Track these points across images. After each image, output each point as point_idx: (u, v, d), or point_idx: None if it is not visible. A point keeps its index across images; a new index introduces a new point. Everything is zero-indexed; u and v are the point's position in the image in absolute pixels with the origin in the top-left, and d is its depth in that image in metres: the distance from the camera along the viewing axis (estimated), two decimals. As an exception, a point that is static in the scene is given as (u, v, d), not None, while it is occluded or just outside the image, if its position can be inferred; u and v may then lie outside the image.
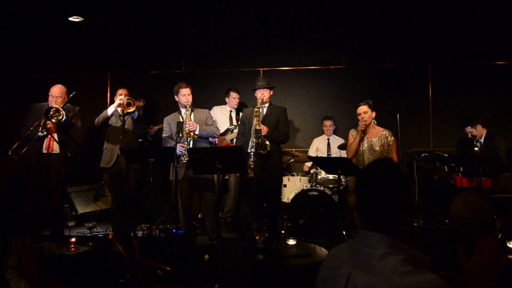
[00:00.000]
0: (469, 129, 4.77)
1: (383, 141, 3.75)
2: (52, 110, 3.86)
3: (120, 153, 4.32)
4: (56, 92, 4.12)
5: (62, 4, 5.16)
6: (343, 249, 1.22)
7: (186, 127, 3.95)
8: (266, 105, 4.19)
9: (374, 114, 3.82)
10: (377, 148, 3.74)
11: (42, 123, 3.90)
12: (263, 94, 4.11)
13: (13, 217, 2.21)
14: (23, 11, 5.39)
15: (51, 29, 5.96)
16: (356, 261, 1.13)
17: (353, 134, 3.89)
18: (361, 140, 3.79)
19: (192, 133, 3.96)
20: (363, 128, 3.75)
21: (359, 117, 3.80)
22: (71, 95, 4.10)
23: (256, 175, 3.87)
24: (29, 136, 3.91)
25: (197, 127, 4.00)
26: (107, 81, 6.13)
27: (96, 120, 4.38)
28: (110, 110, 4.31)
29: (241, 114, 4.52)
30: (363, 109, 3.80)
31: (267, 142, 3.94)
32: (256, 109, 4.03)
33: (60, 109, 3.91)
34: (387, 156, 3.74)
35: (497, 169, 4.26)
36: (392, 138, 3.77)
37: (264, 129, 3.93)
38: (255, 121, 4.00)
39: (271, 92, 4.24)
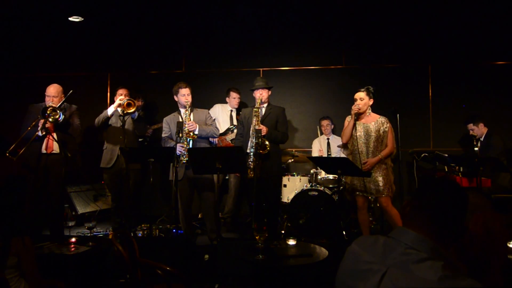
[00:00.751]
0: (471, 126, 4.77)
1: (378, 127, 3.76)
2: (48, 109, 3.86)
3: (120, 153, 4.32)
4: (52, 91, 4.11)
5: (62, 4, 5.16)
6: (374, 243, 1.19)
7: (185, 127, 3.95)
8: (265, 105, 4.19)
9: (371, 102, 3.82)
10: (373, 134, 3.74)
11: (41, 124, 3.90)
12: (261, 94, 4.11)
13: (13, 217, 2.21)
14: (23, 11, 5.39)
15: (51, 29, 5.97)
16: (392, 259, 1.09)
17: (348, 119, 3.92)
18: (356, 125, 3.80)
19: (191, 133, 3.96)
20: (355, 111, 3.76)
21: (356, 103, 3.81)
22: (68, 93, 4.09)
23: (256, 175, 3.87)
24: (27, 136, 3.90)
25: (196, 127, 4.00)
26: (107, 81, 6.13)
27: (96, 120, 4.37)
28: (110, 110, 4.31)
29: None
30: (360, 95, 3.82)
31: (267, 142, 3.94)
32: (255, 109, 4.03)
33: (57, 108, 3.90)
34: (382, 143, 3.73)
35: (496, 169, 4.26)
36: (388, 125, 3.77)
37: (264, 129, 3.93)
38: (254, 121, 4.00)
39: (269, 92, 4.24)
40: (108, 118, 4.33)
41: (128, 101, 4.19)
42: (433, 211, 1.17)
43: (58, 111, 3.88)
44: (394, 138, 3.81)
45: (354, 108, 3.77)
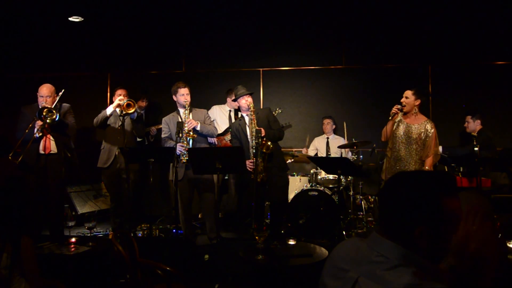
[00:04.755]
0: (468, 118, 4.76)
1: (421, 129, 3.68)
2: (44, 110, 3.85)
3: (118, 153, 4.32)
4: (45, 92, 4.07)
5: (62, 4, 5.16)
6: (350, 250, 1.17)
7: (185, 126, 3.96)
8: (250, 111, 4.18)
9: (417, 102, 3.75)
10: (414, 136, 3.68)
11: (38, 126, 3.90)
12: (247, 101, 4.09)
13: (13, 217, 2.21)
14: (23, 11, 5.39)
15: (51, 29, 5.97)
16: (364, 267, 1.08)
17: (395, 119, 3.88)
18: (399, 123, 3.77)
19: (191, 133, 3.96)
20: (394, 111, 3.72)
21: (402, 100, 3.79)
22: (60, 93, 4.08)
23: (263, 177, 3.88)
24: (25, 139, 3.90)
25: (197, 123, 4.00)
26: (107, 81, 6.13)
27: (95, 120, 4.37)
28: (109, 110, 4.31)
29: (233, 122, 4.50)
30: (407, 93, 3.78)
31: (269, 142, 3.94)
32: (250, 112, 4.01)
33: (53, 109, 3.90)
34: (422, 147, 3.66)
35: (495, 168, 4.27)
36: (433, 130, 3.67)
37: (262, 131, 3.94)
38: (251, 125, 3.99)
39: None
40: (107, 118, 4.33)
41: (128, 101, 4.19)
42: (390, 214, 1.11)
43: (54, 111, 3.87)
44: (437, 145, 3.71)
45: (394, 109, 3.74)
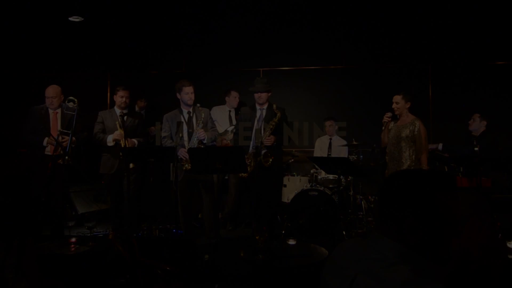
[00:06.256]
0: (476, 116, 4.72)
1: (410, 128, 3.82)
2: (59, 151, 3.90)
3: (121, 154, 4.31)
4: (51, 93, 4.14)
5: (62, 4, 5.15)
6: (351, 248, 1.18)
7: (195, 136, 3.94)
8: (265, 106, 4.17)
9: (407, 105, 3.90)
10: (403, 135, 3.82)
11: (50, 143, 3.96)
12: (260, 97, 4.08)
13: (14, 217, 2.20)
14: (23, 11, 5.39)
15: (51, 29, 5.96)
16: (362, 265, 1.08)
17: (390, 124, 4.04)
18: (392, 128, 3.94)
19: (202, 142, 3.98)
20: (386, 120, 3.90)
21: (393, 106, 3.94)
22: (67, 102, 4.09)
23: (254, 175, 3.88)
24: (34, 144, 4.01)
25: (205, 137, 3.97)
26: (107, 81, 6.14)
27: (96, 138, 4.33)
28: (110, 142, 4.26)
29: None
30: (396, 99, 3.92)
31: (271, 159, 3.94)
32: (272, 123, 3.97)
33: (67, 150, 3.92)
34: (412, 144, 3.79)
35: (495, 168, 4.27)
36: (420, 127, 3.79)
37: (272, 139, 3.93)
38: (266, 133, 3.97)
39: (269, 93, 4.18)
40: (106, 144, 4.29)
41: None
42: (383, 207, 1.12)
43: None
44: (426, 140, 3.83)
45: (385, 118, 3.92)
